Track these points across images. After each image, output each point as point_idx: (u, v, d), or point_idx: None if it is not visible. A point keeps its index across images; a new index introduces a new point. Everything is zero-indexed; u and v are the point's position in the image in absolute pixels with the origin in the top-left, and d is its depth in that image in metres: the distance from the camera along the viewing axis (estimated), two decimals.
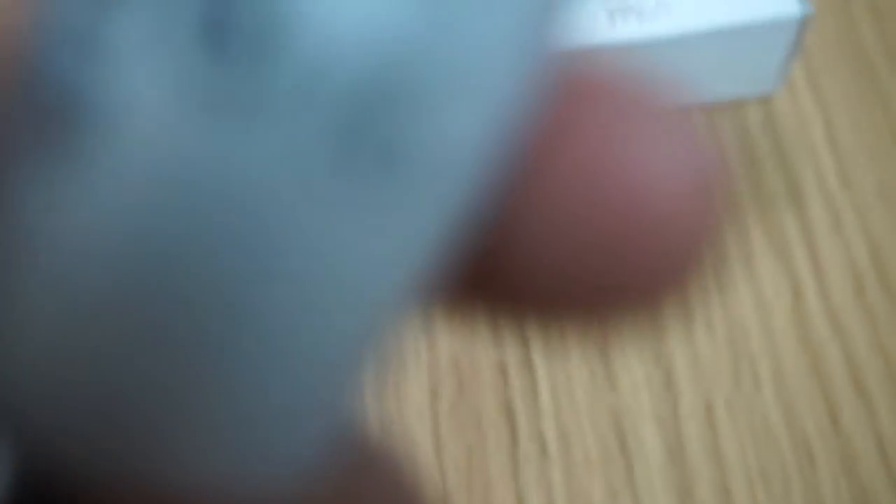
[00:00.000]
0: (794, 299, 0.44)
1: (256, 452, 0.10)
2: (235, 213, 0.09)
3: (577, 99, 0.11)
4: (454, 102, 0.09)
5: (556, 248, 0.11)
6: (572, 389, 0.42)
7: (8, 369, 0.10)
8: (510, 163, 0.11)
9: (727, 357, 0.42)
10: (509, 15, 0.09)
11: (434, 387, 0.42)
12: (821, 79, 0.50)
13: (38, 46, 0.09)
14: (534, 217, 0.11)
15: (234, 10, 0.09)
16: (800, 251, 0.45)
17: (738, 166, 0.47)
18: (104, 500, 0.10)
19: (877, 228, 0.46)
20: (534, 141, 0.11)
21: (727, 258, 0.45)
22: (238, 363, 0.10)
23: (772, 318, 0.43)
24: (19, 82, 0.10)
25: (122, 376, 0.10)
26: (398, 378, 0.42)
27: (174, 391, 0.10)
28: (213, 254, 0.09)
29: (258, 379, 0.10)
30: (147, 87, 0.09)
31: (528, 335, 0.42)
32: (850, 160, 0.48)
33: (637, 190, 0.11)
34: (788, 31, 0.45)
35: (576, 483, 0.40)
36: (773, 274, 0.44)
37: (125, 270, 0.09)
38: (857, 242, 0.45)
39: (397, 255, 0.10)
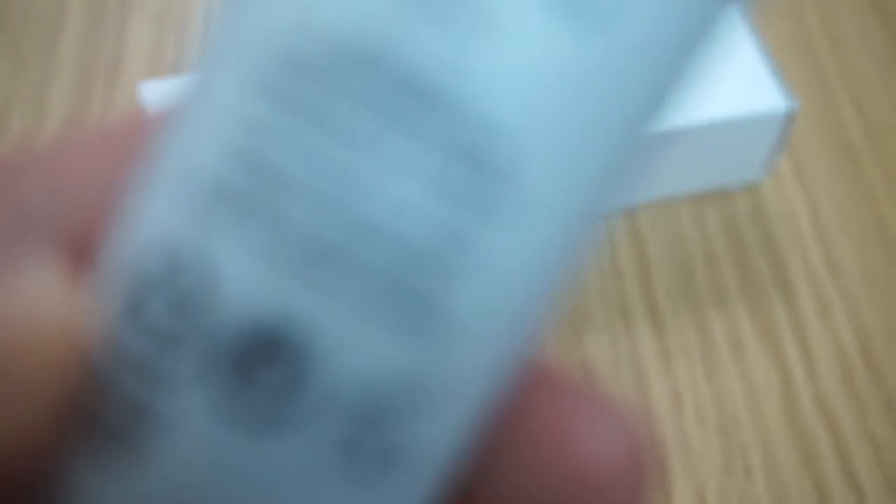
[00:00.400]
0: (784, 387, 0.45)
1: None
2: None
3: (530, 387, 0.14)
4: (439, 415, 0.12)
5: None
6: None
7: None
8: (479, 443, 0.14)
9: (718, 446, 0.43)
10: (489, 349, 0.12)
11: None
12: (806, 168, 0.51)
13: (105, 369, 0.12)
14: (489, 485, 0.14)
15: (259, 370, 0.12)
16: (789, 339, 0.46)
17: (727, 255, 0.48)
18: None
19: (864, 314, 0.47)
20: (495, 425, 0.14)
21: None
22: None
23: (762, 406, 0.44)
24: (84, 395, 0.12)
25: None
26: None
27: None
28: None
29: None
30: (193, 407, 0.12)
31: None
32: (837, 247, 0.49)
33: (580, 464, 0.14)
34: (775, 125, 0.47)
35: None
36: (763, 362, 0.45)
37: None
38: (845, 329, 0.47)
39: None
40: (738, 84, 0.47)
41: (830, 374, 0.45)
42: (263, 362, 0.12)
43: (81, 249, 0.14)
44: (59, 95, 0.51)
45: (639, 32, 0.11)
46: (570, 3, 0.11)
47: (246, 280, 0.11)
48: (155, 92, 0.46)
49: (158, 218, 0.12)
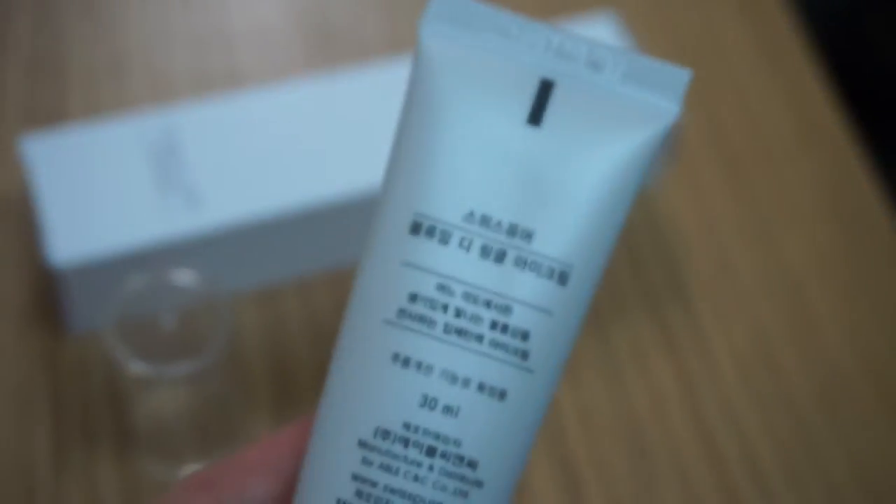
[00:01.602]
0: (687, 391, 0.46)
1: None
2: None
3: None
4: None
5: None
6: None
7: None
8: None
9: (627, 454, 0.44)
10: None
11: None
12: (695, 177, 0.52)
13: None
14: None
15: None
16: (688, 343, 0.47)
17: (625, 266, 0.49)
18: None
19: (759, 313, 0.48)
20: None
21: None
22: None
23: (667, 412, 0.45)
24: None
25: None
26: None
27: None
28: None
29: None
30: None
31: None
32: (728, 251, 0.50)
33: None
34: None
35: None
36: (665, 368, 0.46)
37: None
38: (742, 329, 0.48)
39: None
40: None
41: (731, 374, 0.46)
42: None
43: None
44: None
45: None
46: None
47: None
48: (36, 145, 0.45)
49: None
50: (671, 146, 0.50)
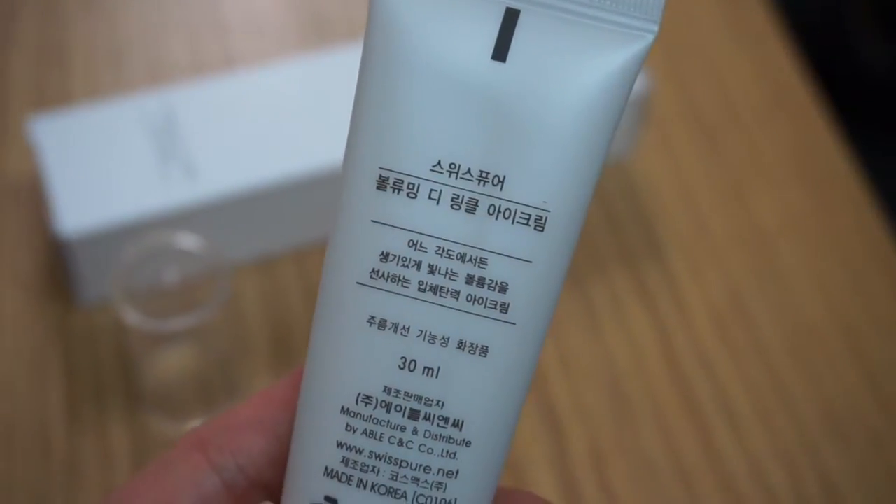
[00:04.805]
0: (663, 341, 0.48)
1: None
2: None
3: None
4: None
5: None
6: None
7: None
8: None
9: (607, 401, 0.47)
10: None
11: None
12: (669, 142, 0.55)
13: None
14: None
15: None
16: (664, 298, 0.50)
17: (603, 227, 0.52)
18: None
19: (731, 269, 0.51)
20: None
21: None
22: None
23: (644, 361, 0.48)
24: None
25: None
26: None
27: None
28: None
29: None
30: None
31: None
32: (701, 211, 0.53)
33: None
34: (635, 105, 0.50)
35: None
36: (642, 321, 0.49)
37: None
38: (714, 283, 0.50)
39: None
40: None
41: (705, 325, 0.49)
42: None
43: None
44: None
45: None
46: None
47: None
48: (43, 126, 0.47)
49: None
50: (644, 112, 0.52)
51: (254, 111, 0.48)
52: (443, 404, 0.23)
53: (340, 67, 0.50)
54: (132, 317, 0.41)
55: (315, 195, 0.48)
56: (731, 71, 0.58)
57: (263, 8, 0.58)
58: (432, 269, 0.23)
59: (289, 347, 0.47)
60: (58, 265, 0.48)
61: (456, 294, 0.23)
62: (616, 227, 0.52)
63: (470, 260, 0.23)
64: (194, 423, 0.45)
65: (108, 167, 0.47)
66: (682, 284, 0.50)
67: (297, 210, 0.48)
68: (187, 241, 0.43)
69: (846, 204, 0.53)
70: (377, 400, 0.23)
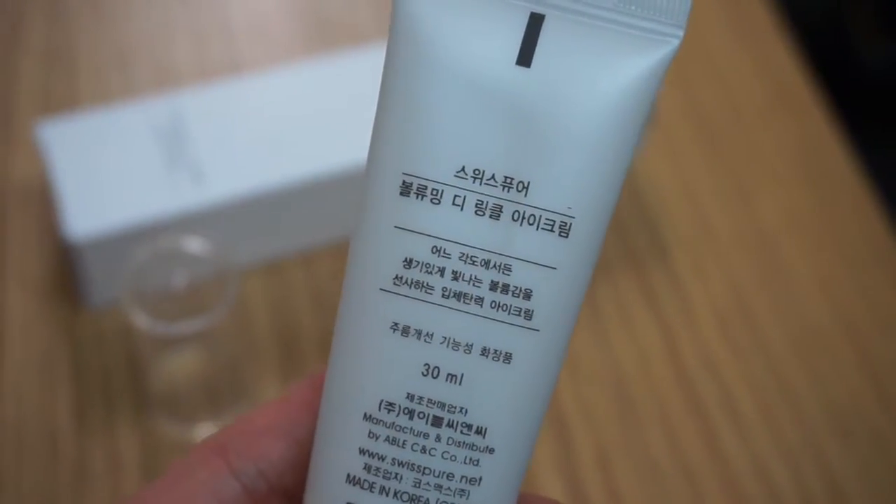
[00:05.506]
0: (668, 343, 0.49)
1: None
2: None
3: None
4: None
5: None
6: None
7: None
8: None
9: (613, 403, 0.47)
10: None
11: None
12: (673, 144, 0.55)
13: None
14: None
15: None
16: (668, 299, 0.50)
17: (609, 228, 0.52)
18: None
19: (735, 269, 0.51)
20: None
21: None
22: None
23: (650, 363, 0.48)
24: None
25: None
26: None
27: None
28: None
29: None
30: None
31: None
32: (705, 212, 0.53)
33: None
34: None
35: None
36: (647, 323, 0.49)
37: None
38: (718, 284, 0.51)
39: None
40: None
41: (710, 326, 0.49)
42: None
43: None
44: None
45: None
46: None
47: None
48: (51, 130, 0.48)
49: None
50: (650, 115, 0.52)
51: (260, 115, 0.49)
52: (466, 411, 0.23)
53: (346, 72, 0.50)
54: (141, 320, 0.42)
55: (322, 198, 0.48)
56: (733, 71, 0.58)
57: (270, 13, 0.59)
58: (456, 276, 0.23)
59: (297, 351, 0.47)
60: (66, 269, 0.49)
61: (480, 301, 0.23)
62: (620, 229, 0.52)
63: (494, 266, 0.23)
64: (202, 426, 0.45)
65: (116, 171, 0.47)
66: (686, 285, 0.50)
67: (304, 213, 0.48)
68: (195, 244, 0.44)
69: (848, 203, 0.53)
70: (400, 407, 0.23)
